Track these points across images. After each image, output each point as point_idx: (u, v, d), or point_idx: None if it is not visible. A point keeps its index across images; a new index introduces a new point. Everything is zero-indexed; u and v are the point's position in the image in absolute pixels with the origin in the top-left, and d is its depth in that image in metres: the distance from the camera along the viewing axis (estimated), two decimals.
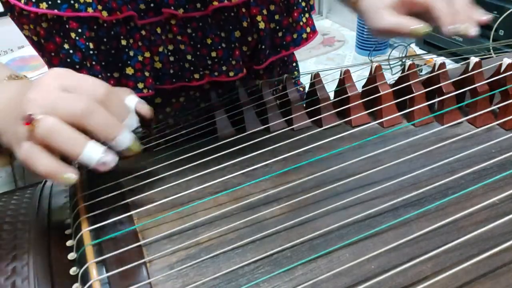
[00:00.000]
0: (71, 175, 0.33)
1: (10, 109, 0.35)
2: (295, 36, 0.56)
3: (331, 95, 0.53)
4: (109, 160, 0.34)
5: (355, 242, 0.34)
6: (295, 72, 0.71)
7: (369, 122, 0.49)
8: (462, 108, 0.51)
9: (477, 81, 0.48)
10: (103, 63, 0.49)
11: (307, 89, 0.55)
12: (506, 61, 0.48)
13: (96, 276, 0.32)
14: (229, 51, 0.52)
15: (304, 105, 0.53)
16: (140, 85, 0.50)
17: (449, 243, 0.31)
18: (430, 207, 0.36)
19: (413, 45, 2.26)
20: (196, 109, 0.58)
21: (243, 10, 0.51)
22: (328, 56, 2.50)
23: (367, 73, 0.51)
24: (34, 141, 0.33)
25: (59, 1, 0.44)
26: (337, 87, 0.52)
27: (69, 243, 0.36)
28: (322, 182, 0.40)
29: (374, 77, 0.50)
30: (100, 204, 0.38)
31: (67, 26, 0.46)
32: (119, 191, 0.40)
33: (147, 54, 0.50)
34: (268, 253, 0.34)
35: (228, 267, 0.33)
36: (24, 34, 0.50)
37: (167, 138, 0.51)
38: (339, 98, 0.51)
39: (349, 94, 0.50)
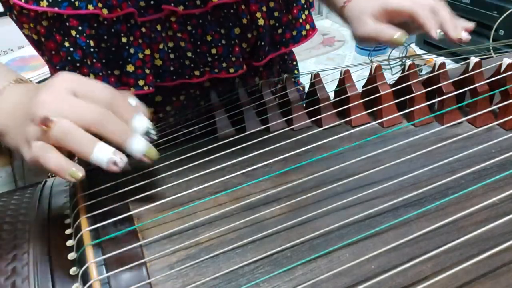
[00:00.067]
0: (79, 171, 0.35)
1: (18, 111, 0.37)
2: (294, 33, 0.57)
3: (331, 95, 0.53)
4: (119, 160, 0.35)
5: (355, 242, 0.34)
6: (295, 71, 0.71)
7: (369, 122, 0.49)
8: (462, 108, 0.51)
9: (477, 81, 0.48)
10: (103, 61, 0.49)
11: (307, 89, 0.55)
12: (506, 61, 0.48)
13: (96, 276, 0.32)
14: (229, 48, 0.52)
15: (304, 105, 0.53)
16: (141, 82, 0.50)
17: (449, 243, 0.31)
18: (430, 207, 0.36)
19: (413, 45, 2.26)
20: (196, 108, 0.58)
21: (243, 7, 0.51)
22: (328, 56, 2.49)
23: (367, 73, 0.51)
24: (46, 141, 0.34)
25: None
26: (337, 87, 0.52)
27: (69, 243, 0.36)
28: (322, 182, 0.40)
29: (374, 77, 0.50)
30: (100, 204, 0.38)
31: (67, 24, 0.46)
32: (119, 191, 0.40)
33: (148, 52, 0.50)
34: (268, 253, 0.34)
35: (228, 267, 0.33)
36: (24, 33, 0.50)
37: (167, 138, 0.51)
38: (339, 98, 0.51)
39: (349, 94, 0.50)
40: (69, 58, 0.47)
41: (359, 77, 0.57)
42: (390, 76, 0.55)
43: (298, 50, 0.61)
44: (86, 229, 0.36)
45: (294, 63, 0.71)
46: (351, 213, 0.36)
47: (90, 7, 0.45)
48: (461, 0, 1.98)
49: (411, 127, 0.49)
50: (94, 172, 0.37)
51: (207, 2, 0.49)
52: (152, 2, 0.48)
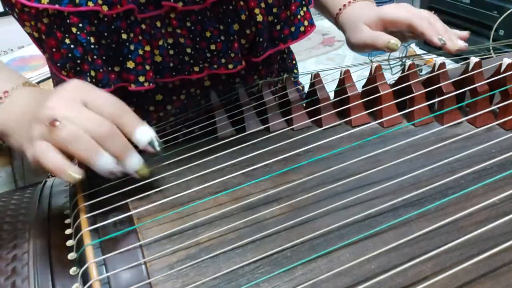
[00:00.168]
0: (77, 173, 0.36)
1: (26, 114, 0.39)
2: (293, 29, 0.57)
3: (331, 95, 0.53)
4: (117, 171, 0.37)
5: (355, 242, 0.34)
6: (295, 70, 0.71)
7: (369, 122, 0.49)
8: (462, 108, 0.51)
9: (477, 81, 0.48)
10: (104, 58, 0.49)
11: (306, 89, 0.55)
12: (506, 61, 0.48)
13: (96, 276, 0.32)
14: (228, 44, 0.53)
15: (304, 105, 0.53)
16: (141, 79, 0.50)
17: (449, 243, 0.31)
18: (430, 207, 0.36)
19: (413, 45, 2.26)
20: (197, 108, 0.58)
21: (241, 3, 0.51)
22: (328, 56, 2.49)
23: (367, 73, 0.51)
24: (51, 141, 0.36)
25: None
26: (337, 87, 0.52)
27: (69, 243, 0.36)
28: (322, 182, 0.40)
29: (374, 77, 0.50)
30: (100, 204, 0.38)
31: (68, 21, 0.46)
32: (119, 191, 0.40)
33: (147, 48, 0.50)
34: (268, 253, 0.34)
35: (228, 267, 0.33)
36: (26, 31, 0.51)
37: (167, 137, 0.51)
38: (339, 98, 0.51)
39: (349, 94, 0.50)
40: (69, 55, 0.48)
41: (359, 77, 0.57)
42: (390, 76, 0.55)
43: (298, 50, 0.61)
44: (86, 229, 0.36)
45: (294, 62, 0.71)
46: (351, 213, 0.36)
47: (90, 4, 0.45)
48: (461, 0, 1.98)
49: (411, 127, 0.49)
50: (94, 172, 0.37)
51: None
52: None
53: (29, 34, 0.50)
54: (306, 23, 0.57)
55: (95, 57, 0.48)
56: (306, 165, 0.42)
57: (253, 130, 0.50)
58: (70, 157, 0.36)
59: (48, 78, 1.33)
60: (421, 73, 0.70)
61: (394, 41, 0.56)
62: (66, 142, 0.35)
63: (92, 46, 0.47)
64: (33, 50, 1.43)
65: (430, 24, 0.56)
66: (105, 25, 0.47)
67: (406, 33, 0.60)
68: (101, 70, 0.49)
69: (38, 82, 1.31)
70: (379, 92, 0.49)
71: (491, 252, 0.30)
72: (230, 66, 0.54)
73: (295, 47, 0.71)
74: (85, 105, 0.37)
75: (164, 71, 0.53)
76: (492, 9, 1.83)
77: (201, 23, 0.51)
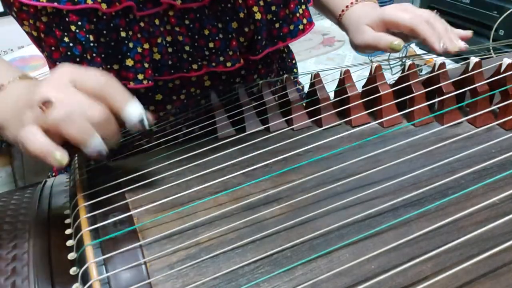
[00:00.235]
0: (62, 155, 0.35)
1: (19, 104, 0.37)
2: (291, 27, 0.57)
3: (331, 95, 0.53)
4: (105, 151, 0.36)
5: (355, 242, 0.34)
6: (294, 70, 0.71)
7: (369, 122, 0.49)
8: (462, 108, 0.51)
9: (477, 81, 0.48)
10: (103, 55, 0.49)
11: (306, 89, 0.55)
12: (506, 61, 0.48)
13: (96, 276, 0.32)
14: (226, 42, 0.53)
15: (304, 105, 0.53)
16: (140, 76, 0.50)
17: (449, 243, 0.31)
18: (430, 207, 0.36)
19: (413, 45, 2.25)
20: (197, 108, 0.58)
21: (240, 1, 0.51)
22: (328, 56, 2.49)
23: (367, 73, 0.51)
24: (42, 124, 0.35)
25: None
26: (337, 87, 0.52)
27: (69, 243, 0.36)
28: (322, 182, 0.40)
29: (374, 77, 0.50)
30: (100, 204, 0.38)
31: (66, 19, 0.46)
32: (119, 191, 0.40)
33: (146, 46, 0.50)
34: (268, 253, 0.34)
35: (228, 267, 0.33)
36: (25, 30, 0.51)
37: (167, 137, 0.51)
38: (339, 98, 0.51)
39: (349, 94, 0.50)
40: (69, 53, 0.48)
41: (359, 77, 0.57)
42: (390, 76, 0.55)
43: (298, 50, 0.61)
44: (86, 229, 0.36)
45: (294, 61, 0.71)
46: (351, 213, 0.36)
47: (89, 1, 0.45)
48: (461, 0, 1.98)
49: (411, 127, 0.49)
50: (94, 172, 0.37)
51: None
52: None
53: (27, 33, 0.50)
54: (305, 21, 0.58)
55: (94, 55, 0.48)
56: (306, 165, 0.42)
57: (253, 130, 0.50)
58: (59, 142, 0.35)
59: None
60: (421, 73, 0.70)
61: (397, 42, 0.56)
62: (60, 122, 0.34)
63: (91, 44, 0.47)
64: (33, 50, 1.43)
65: (431, 25, 0.56)
66: (104, 23, 0.47)
67: (408, 34, 0.60)
68: (100, 68, 0.49)
69: None
70: (379, 92, 0.49)
71: (491, 252, 0.30)
72: (229, 64, 0.54)
73: (295, 47, 0.71)
74: (74, 86, 0.36)
75: (163, 69, 0.53)
76: (492, 9, 1.83)
77: (199, 21, 0.51)
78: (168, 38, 0.51)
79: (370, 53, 2.19)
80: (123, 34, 0.48)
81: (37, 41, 0.51)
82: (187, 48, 0.52)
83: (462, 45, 0.55)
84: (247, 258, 0.33)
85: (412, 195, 0.36)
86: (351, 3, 0.64)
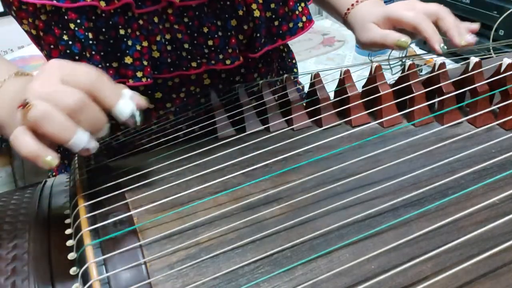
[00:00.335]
0: (52, 158, 0.34)
1: (15, 102, 0.36)
2: (291, 25, 0.57)
3: (331, 95, 0.53)
4: (92, 147, 0.35)
5: (355, 242, 0.34)
6: (294, 69, 0.71)
7: (369, 122, 0.49)
8: (462, 108, 0.51)
9: (477, 81, 0.48)
10: (102, 53, 0.49)
11: (306, 89, 0.55)
12: (506, 61, 0.48)
13: (96, 276, 0.32)
14: (226, 40, 0.53)
15: (304, 105, 0.53)
16: (139, 74, 0.50)
17: (449, 243, 0.31)
18: (430, 207, 0.36)
19: (413, 45, 2.25)
20: (196, 107, 0.58)
21: None
22: (328, 56, 2.49)
23: (367, 73, 0.51)
24: (26, 126, 0.34)
25: None
26: (337, 87, 0.52)
27: (69, 243, 0.36)
28: (322, 182, 0.40)
29: (374, 77, 0.50)
30: (100, 204, 0.38)
31: (65, 17, 0.46)
32: (119, 191, 0.40)
33: (145, 44, 0.50)
34: (268, 253, 0.34)
35: (228, 267, 0.33)
36: (24, 29, 0.51)
37: (167, 137, 0.51)
38: (339, 98, 0.51)
39: (349, 94, 0.50)
40: (68, 51, 0.48)
41: (359, 77, 0.57)
42: (390, 76, 0.55)
43: (298, 50, 0.61)
44: (86, 229, 0.36)
45: (294, 61, 0.71)
46: (351, 213, 0.36)
47: None
48: (461, 0, 1.98)
49: (411, 127, 0.49)
50: (94, 172, 0.37)
51: None
52: None
53: (27, 31, 0.50)
54: (304, 19, 0.57)
55: (93, 53, 0.48)
56: (306, 165, 0.42)
57: (253, 130, 0.50)
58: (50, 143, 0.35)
59: None
60: (421, 73, 0.70)
61: (404, 39, 0.56)
62: (38, 122, 0.33)
63: (90, 42, 0.47)
64: (33, 50, 1.43)
65: (441, 20, 0.55)
66: (103, 21, 0.47)
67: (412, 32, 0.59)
68: (99, 66, 0.49)
69: None
70: (379, 92, 0.49)
71: (491, 252, 0.30)
72: (228, 62, 0.54)
73: (295, 47, 0.71)
74: (62, 81, 0.35)
75: (162, 67, 0.53)
76: (492, 9, 1.83)
77: (198, 19, 0.51)
78: (167, 36, 0.51)
79: (376, 51, 2.19)
80: (122, 32, 0.48)
81: (36, 40, 0.51)
82: (186, 46, 0.52)
83: (471, 38, 0.55)
84: (247, 258, 0.33)
85: (412, 195, 0.36)
86: (356, 1, 0.64)
